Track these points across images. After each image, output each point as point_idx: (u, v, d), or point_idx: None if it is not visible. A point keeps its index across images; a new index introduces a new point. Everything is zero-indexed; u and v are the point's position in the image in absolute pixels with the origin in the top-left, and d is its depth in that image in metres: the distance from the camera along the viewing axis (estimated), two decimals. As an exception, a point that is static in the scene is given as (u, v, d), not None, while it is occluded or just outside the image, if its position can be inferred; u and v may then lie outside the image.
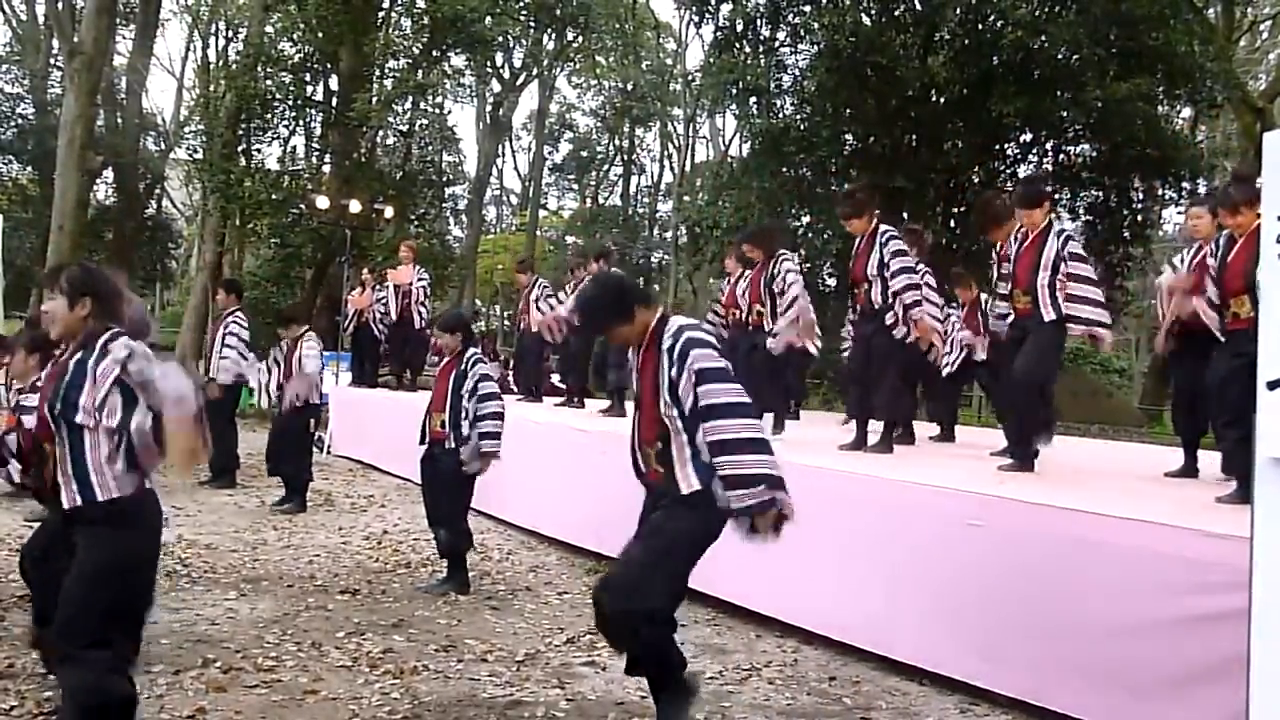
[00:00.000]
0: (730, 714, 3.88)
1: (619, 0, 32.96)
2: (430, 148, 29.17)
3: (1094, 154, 18.45)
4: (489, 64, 29.57)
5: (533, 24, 27.34)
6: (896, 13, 18.16)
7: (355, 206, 18.05)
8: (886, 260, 5.84)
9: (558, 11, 26.21)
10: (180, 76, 36.93)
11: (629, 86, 38.64)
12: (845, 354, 8.31)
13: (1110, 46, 16.48)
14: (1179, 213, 22.12)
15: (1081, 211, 18.83)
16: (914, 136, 18.17)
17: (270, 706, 3.75)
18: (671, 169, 40.38)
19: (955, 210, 18.47)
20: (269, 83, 21.07)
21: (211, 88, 24.91)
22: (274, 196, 20.16)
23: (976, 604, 4.04)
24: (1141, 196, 18.81)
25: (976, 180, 18.34)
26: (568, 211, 47.08)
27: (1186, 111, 21.16)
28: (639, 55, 37.17)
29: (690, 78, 32.15)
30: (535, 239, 40.17)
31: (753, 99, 18.86)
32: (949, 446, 7.28)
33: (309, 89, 22.69)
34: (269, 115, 22.00)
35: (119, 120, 26.69)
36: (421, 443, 5.88)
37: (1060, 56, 16.68)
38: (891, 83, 17.09)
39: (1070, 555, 3.79)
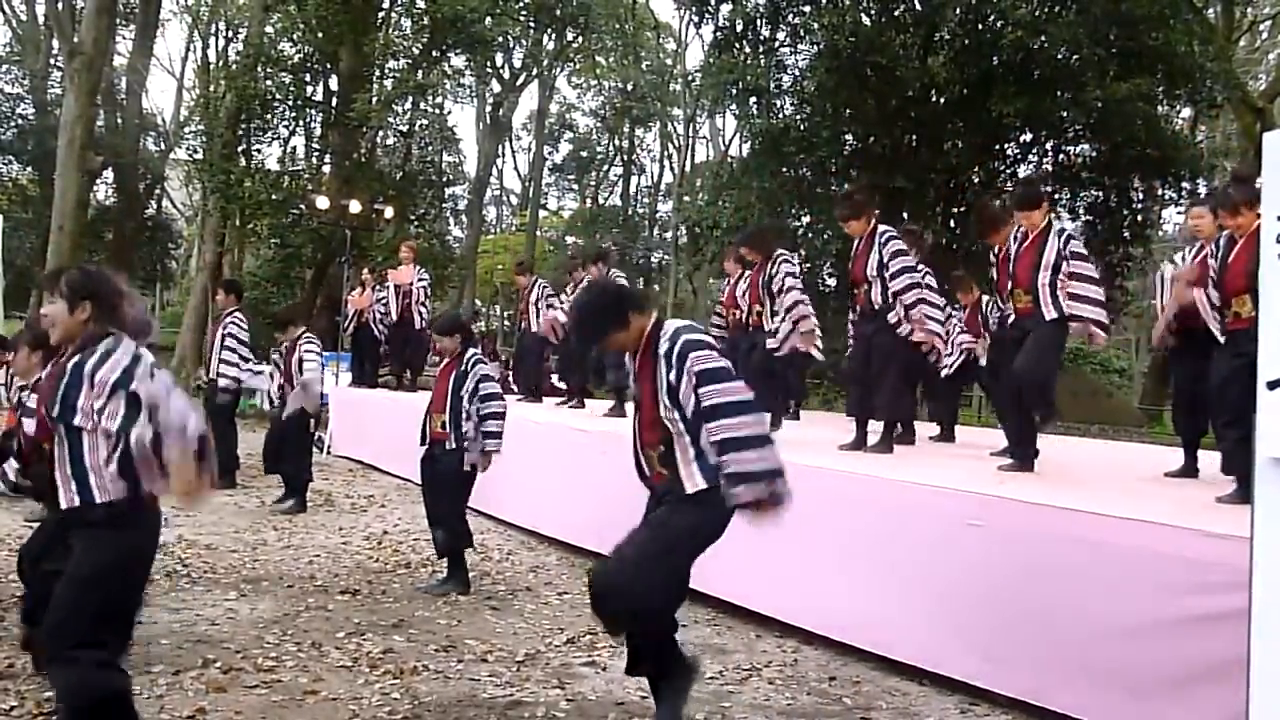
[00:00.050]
0: (730, 714, 3.88)
1: (619, 0, 32.97)
2: (430, 148, 29.18)
3: (1094, 154, 18.44)
4: (489, 64, 29.56)
5: (533, 24, 27.34)
6: (896, 13, 18.15)
7: (355, 207, 18.05)
8: (886, 261, 5.85)
9: (558, 11, 26.21)
10: (180, 76, 37.02)
11: (629, 86, 38.64)
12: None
13: (1110, 46, 16.47)
14: (1179, 213, 22.14)
15: (1081, 211, 18.83)
16: (914, 136, 18.16)
17: (270, 706, 3.75)
18: (671, 169, 40.41)
19: (955, 210, 18.46)
20: (269, 83, 21.08)
21: (211, 88, 24.91)
22: (274, 197, 20.17)
23: (977, 604, 4.04)
24: (1141, 196, 18.80)
25: (976, 180, 18.34)
26: (568, 212, 47.10)
27: (1186, 111, 21.16)
28: (639, 55, 37.17)
29: (690, 78, 32.11)
30: (535, 239, 40.18)
31: (753, 99, 18.85)
32: (949, 446, 7.28)
33: (309, 89, 22.69)
34: (269, 115, 22.01)
35: (119, 120, 26.71)
36: (422, 443, 5.89)
37: (1060, 56, 16.67)
38: (891, 83, 17.08)
39: (1070, 555, 3.79)
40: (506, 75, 34.74)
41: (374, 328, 11.52)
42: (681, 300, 34.91)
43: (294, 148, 26.89)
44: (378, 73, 22.72)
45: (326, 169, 23.01)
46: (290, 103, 21.97)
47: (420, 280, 11.25)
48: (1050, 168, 18.63)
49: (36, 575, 3.54)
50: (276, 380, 8.48)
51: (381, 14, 23.13)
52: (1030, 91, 16.26)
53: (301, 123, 24.35)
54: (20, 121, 28.85)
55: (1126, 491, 4.98)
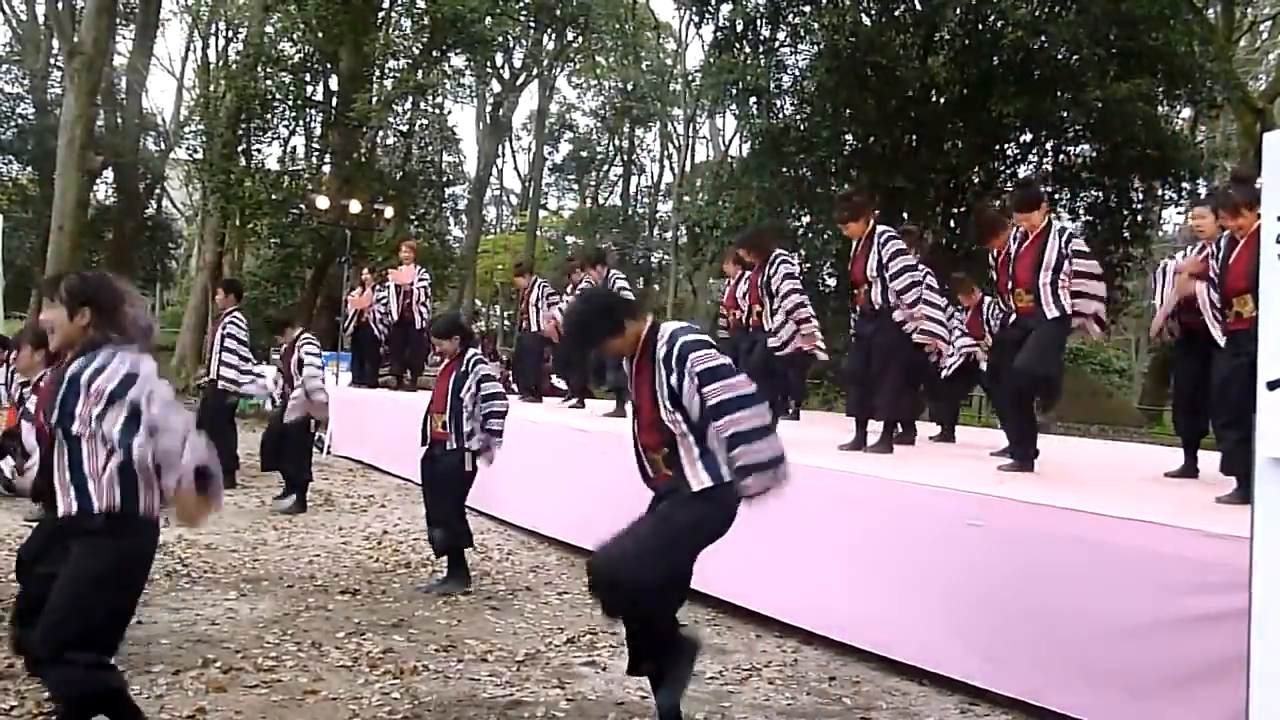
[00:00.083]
0: (730, 714, 3.88)
1: (619, 0, 32.97)
2: (430, 148, 29.19)
3: (1094, 154, 18.45)
4: (489, 64, 29.59)
5: (533, 24, 27.37)
6: (896, 13, 18.16)
7: (355, 206, 18.06)
8: (886, 261, 5.86)
9: (558, 11, 26.24)
10: (180, 76, 37.05)
11: (629, 86, 38.65)
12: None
13: (1110, 46, 16.48)
14: (1179, 213, 22.16)
15: (1081, 211, 18.83)
16: (914, 136, 18.16)
17: (270, 706, 3.75)
18: (671, 169, 40.43)
19: (955, 210, 18.47)
20: (269, 83, 21.11)
21: (211, 88, 24.94)
22: (274, 196, 20.19)
23: (977, 604, 4.04)
24: (1141, 197, 18.80)
25: (976, 180, 18.35)
26: (568, 212, 47.13)
27: (1186, 112, 21.16)
28: (639, 55, 37.18)
29: (690, 78, 32.14)
30: (535, 239, 40.19)
31: (753, 99, 18.85)
32: (949, 446, 7.29)
33: (309, 89, 22.71)
34: (269, 115, 22.04)
35: (119, 120, 26.72)
36: (423, 444, 5.90)
37: (1060, 56, 16.68)
38: (891, 83, 17.08)
39: (1070, 555, 3.79)
40: (506, 75, 34.76)
41: (374, 328, 11.52)
42: (681, 300, 34.91)
43: (294, 148, 26.96)
44: (378, 73, 22.74)
45: (326, 169, 23.03)
46: (290, 103, 21.99)
47: (420, 280, 11.25)
48: (1050, 168, 18.63)
49: (32, 577, 3.54)
50: (278, 382, 8.48)
51: (381, 14, 23.15)
52: (1030, 91, 16.27)
53: (301, 123, 24.38)
54: (20, 121, 28.88)
55: (1126, 491, 4.98)
